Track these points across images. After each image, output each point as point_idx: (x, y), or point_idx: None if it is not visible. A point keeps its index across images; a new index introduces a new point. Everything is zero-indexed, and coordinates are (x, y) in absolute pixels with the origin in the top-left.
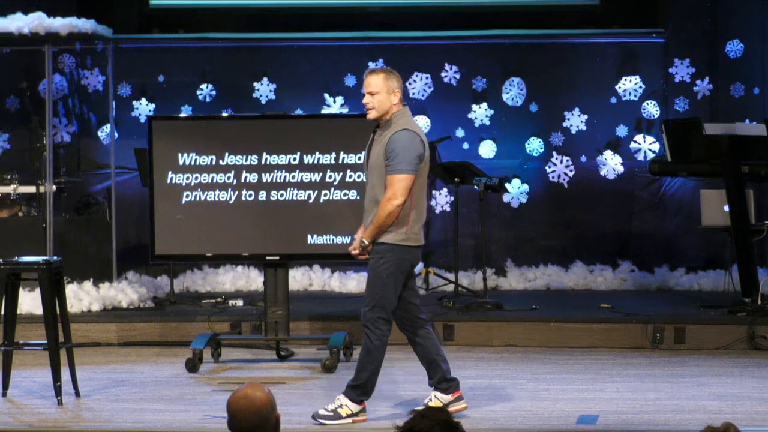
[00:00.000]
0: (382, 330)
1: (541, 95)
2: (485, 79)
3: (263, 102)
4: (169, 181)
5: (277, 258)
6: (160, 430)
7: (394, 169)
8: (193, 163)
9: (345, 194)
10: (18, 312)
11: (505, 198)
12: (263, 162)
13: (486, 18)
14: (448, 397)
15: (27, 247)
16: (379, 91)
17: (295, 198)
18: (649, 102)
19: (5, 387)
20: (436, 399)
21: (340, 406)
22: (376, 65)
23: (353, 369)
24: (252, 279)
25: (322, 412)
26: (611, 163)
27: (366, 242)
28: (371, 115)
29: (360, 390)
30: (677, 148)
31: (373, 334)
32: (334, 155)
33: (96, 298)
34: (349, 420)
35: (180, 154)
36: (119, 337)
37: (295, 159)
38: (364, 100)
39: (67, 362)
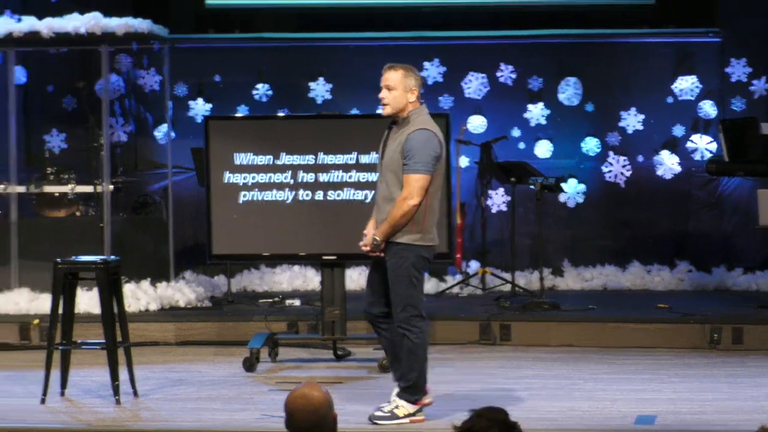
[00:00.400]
0: (419, 327)
1: (597, 95)
2: (541, 79)
3: (319, 102)
4: (225, 181)
5: (334, 258)
6: (218, 429)
7: (411, 168)
8: (249, 162)
9: None
10: (76, 311)
11: (562, 198)
12: (319, 162)
13: (541, 18)
14: (414, 407)
15: (84, 246)
16: (396, 87)
17: (351, 198)
18: (705, 102)
19: (63, 386)
20: (402, 407)
21: (396, 407)
22: (432, 65)
23: None
24: (309, 278)
25: (378, 413)
26: (668, 163)
27: (378, 239)
28: (386, 111)
29: (413, 390)
30: (734, 148)
31: (411, 333)
32: None
33: (153, 297)
34: (407, 420)
35: (236, 154)
36: (177, 337)
37: (351, 159)
38: (381, 95)
39: (125, 361)
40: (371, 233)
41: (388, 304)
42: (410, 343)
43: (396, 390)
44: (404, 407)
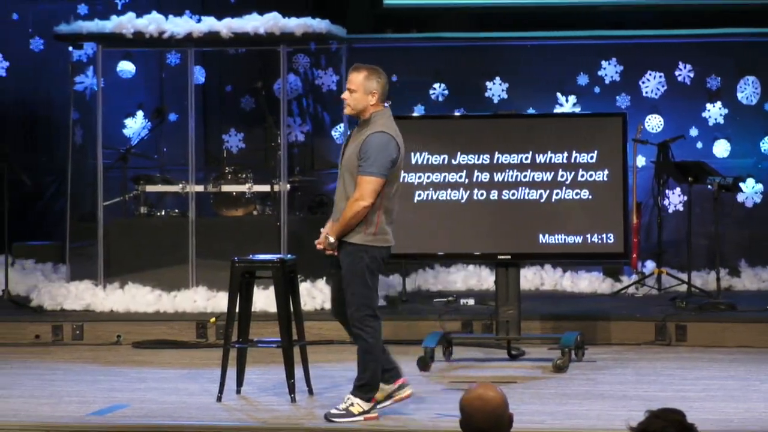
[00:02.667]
0: (373, 327)
1: None
2: (719, 78)
3: (495, 101)
4: (401, 180)
5: (509, 257)
6: (391, 428)
7: (365, 170)
8: (425, 162)
9: (577, 194)
10: (252, 310)
11: (739, 197)
12: (495, 161)
13: (719, 16)
14: (391, 386)
15: (261, 245)
16: (357, 89)
17: (526, 197)
18: None
19: (239, 384)
20: (357, 405)
21: (351, 404)
22: (609, 64)
23: (585, 369)
24: (483, 278)
25: (333, 411)
26: None
27: (332, 239)
28: (346, 111)
29: (366, 388)
30: None
31: (365, 333)
32: (566, 154)
33: (329, 296)
34: (361, 417)
35: (412, 153)
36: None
37: (527, 158)
38: (343, 95)
39: (300, 360)
40: (326, 231)
41: None
42: (364, 343)
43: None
44: (359, 404)
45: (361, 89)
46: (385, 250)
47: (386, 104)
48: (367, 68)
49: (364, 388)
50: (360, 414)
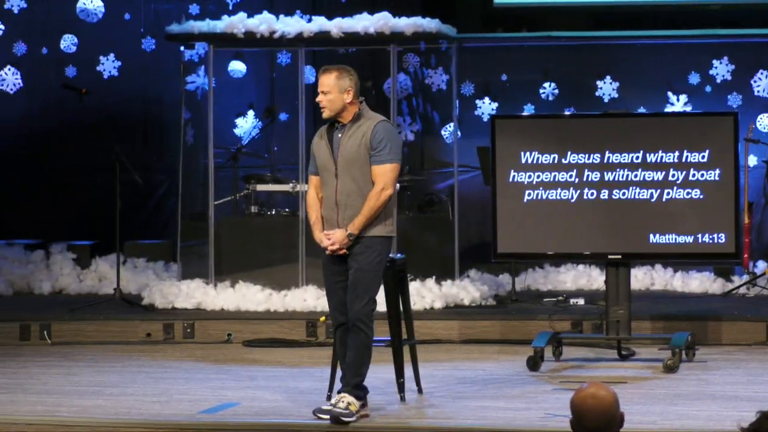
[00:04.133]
0: (373, 323)
1: None
2: None
3: (605, 100)
4: (511, 180)
5: (619, 257)
6: (501, 427)
7: (384, 158)
8: (535, 161)
9: (688, 193)
10: None
11: None
12: (606, 160)
13: None
14: (360, 403)
15: None
16: (331, 90)
17: (637, 197)
18: None
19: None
20: (353, 404)
21: (349, 404)
22: (720, 63)
23: (695, 369)
24: (593, 278)
25: (338, 411)
26: None
27: (355, 234)
28: (325, 114)
29: (362, 388)
30: None
31: (368, 327)
32: (677, 154)
33: (438, 295)
34: (358, 416)
35: (522, 153)
36: (461, 335)
37: (637, 157)
38: (318, 99)
39: (410, 359)
40: (338, 231)
41: None
42: (366, 338)
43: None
44: (354, 404)
45: (336, 89)
46: (392, 241)
47: (360, 99)
48: (336, 68)
49: (360, 385)
50: (356, 413)
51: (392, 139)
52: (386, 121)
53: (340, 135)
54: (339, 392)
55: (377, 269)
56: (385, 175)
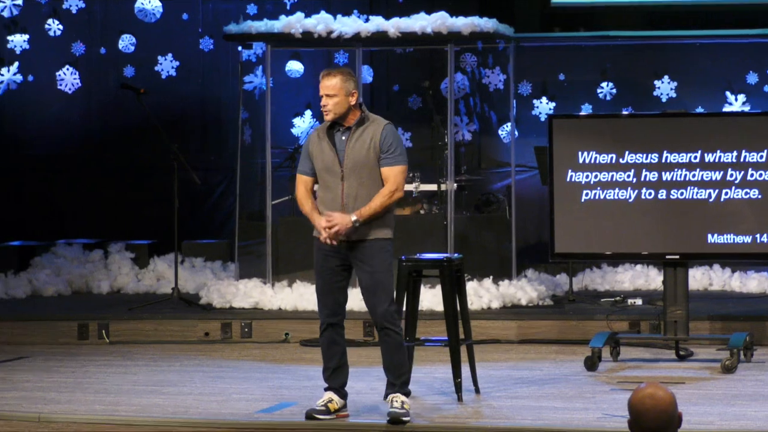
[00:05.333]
0: (400, 322)
1: None
2: None
3: (663, 100)
4: (568, 180)
5: (677, 257)
6: (558, 427)
7: (395, 160)
8: (592, 161)
9: (746, 193)
10: (419, 308)
11: None
12: (663, 160)
13: None
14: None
15: (428, 244)
16: (337, 93)
17: (695, 197)
18: None
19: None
20: (406, 403)
21: (403, 402)
22: None
23: (753, 370)
24: (651, 278)
25: (397, 411)
26: None
27: (360, 221)
28: (329, 117)
29: (408, 383)
30: None
31: (397, 327)
32: (735, 153)
33: (495, 295)
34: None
35: (580, 153)
36: (518, 335)
37: (695, 157)
38: (322, 102)
39: (467, 359)
40: (339, 215)
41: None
42: (398, 337)
43: (393, 388)
44: (407, 402)
45: (342, 92)
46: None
47: (361, 101)
48: (340, 71)
49: (407, 383)
50: (409, 410)
51: (400, 141)
52: (391, 124)
53: (344, 138)
54: (388, 394)
55: (391, 270)
56: (397, 177)
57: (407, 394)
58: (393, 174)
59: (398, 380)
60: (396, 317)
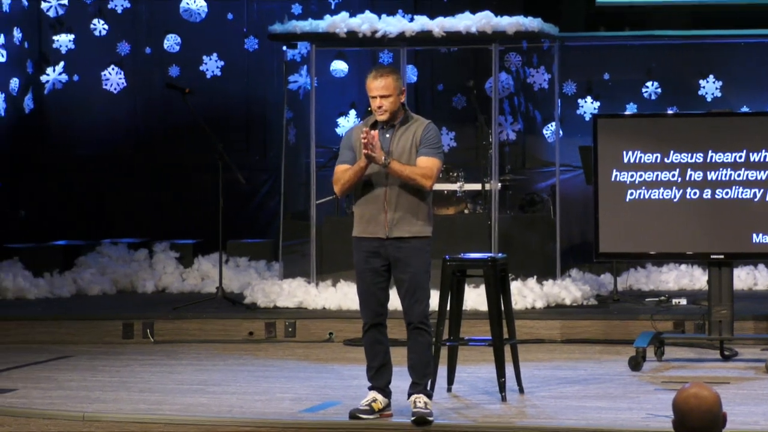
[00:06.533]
0: (431, 321)
1: None
2: None
3: (708, 100)
4: (613, 179)
5: (722, 257)
6: (603, 427)
7: (433, 152)
8: (637, 161)
9: None
10: (463, 308)
11: None
12: (708, 160)
13: None
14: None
15: (472, 243)
16: (392, 92)
17: (740, 196)
18: None
19: (450, 382)
20: (430, 403)
21: (426, 403)
22: None
23: None
24: (695, 278)
25: (422, 411)
26: None
27: (388, 162)
28: (384, 117)
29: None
30: None
31: (430, 328)
32: None
33: (540, 295)
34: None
35: (624, 152)
36: (562, 334)
37: (740, 157)
38: (378, 103)
39: (511, 358)
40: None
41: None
42: (430, 338)
43: (416, 390)
44: (430, 402)
45: (395, 91)
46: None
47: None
48: (392, 70)
49: (431, 385)
50: (432, 410)
51: (440, 140)
52: (433, 123)
53: (388, 135)
54: (411, 394)
55: (430, 271)
56: (432, 167)
57: (430, 395)
58: (429, 163)
59: (423, 380)
60: (429, 318)
